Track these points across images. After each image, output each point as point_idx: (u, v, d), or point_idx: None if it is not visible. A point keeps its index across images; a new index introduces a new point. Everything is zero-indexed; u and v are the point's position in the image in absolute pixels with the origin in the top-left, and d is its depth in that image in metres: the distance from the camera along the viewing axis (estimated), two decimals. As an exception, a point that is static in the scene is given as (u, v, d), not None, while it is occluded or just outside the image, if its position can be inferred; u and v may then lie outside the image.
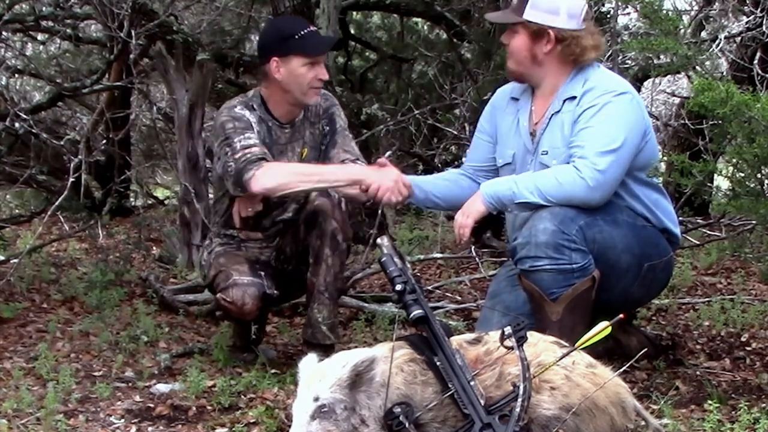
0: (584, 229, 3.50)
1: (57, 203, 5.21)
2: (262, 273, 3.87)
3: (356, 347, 3.48)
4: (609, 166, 3.50)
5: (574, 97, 3.65)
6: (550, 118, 3.70)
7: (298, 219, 3.94)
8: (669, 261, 3.78)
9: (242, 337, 4.09)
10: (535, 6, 3.67)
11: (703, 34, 7.09)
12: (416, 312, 2.81)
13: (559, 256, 3.46)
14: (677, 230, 3.85)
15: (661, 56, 5.26)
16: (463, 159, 6.96)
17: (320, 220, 3.82)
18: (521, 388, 2.61)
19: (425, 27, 9.68)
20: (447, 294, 5.30)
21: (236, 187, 3.80)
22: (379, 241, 3.25)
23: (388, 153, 7.36)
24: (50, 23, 7.03)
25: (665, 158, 4.68)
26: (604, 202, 3.55)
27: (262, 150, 3.78)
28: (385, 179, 3.67)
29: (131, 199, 8.78)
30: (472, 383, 2.67)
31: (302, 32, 3.87)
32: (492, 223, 3.84)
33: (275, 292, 3.87)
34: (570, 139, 3.60)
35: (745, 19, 6.54)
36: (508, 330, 2.68)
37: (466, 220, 3.62)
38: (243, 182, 3.73)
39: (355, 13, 9.51)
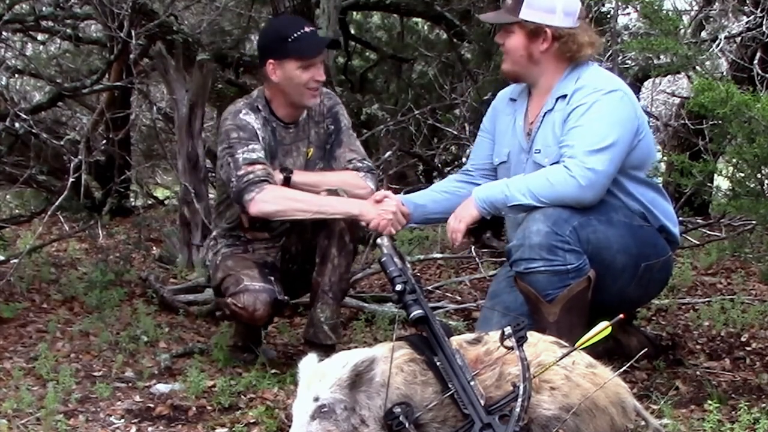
0: (578, 230, 3.49)
1: (57, 203, 5.21)
2: (272, 278, 3.86)
3: (356, 347, 3.48)
4: (600, 164, 3.48)
5: (565, 96, 3.65)
6: (544, 117, 3.69)
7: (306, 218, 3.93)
8: (667, 261, 3.76)
9: (245, 339, 4.08)
10: (531, 5, 3.66)
11: (703, 34, 7.09)
12: (416, 312, 2.81)
13: (552, 257, 3.46)
14: (676, 229, 3.83)
15: (661, 56, 5.25)
16: (464, 159, 6.99)
17: (329, 219, 3.82)
18: (521, 388, 2.61)
19: (425, 27, 9.67)
20: (447, 294, 5.30)
21: (235, 204, 3.85)
22: (379, 241, 3.25)
23: (388, 153, 7.38)
24: (50, 23, 7.03)
25: (665, 158, 4.68)
26: (597, 200, 3.54)
27: (265, 170, 3.78)
28: (383, 213, 3.67)
29: (131, 199, 8.78)
30: (472, 383, 2.67)
31: (296, 34, 3.84)
32: (492, 223, 3.82)
33: (285, 297, 3.88)
34: (560, 138, 3.60)
35: (745, 19, 6.54)
36: (508, 330, 2.68)
37: (458, 224, 3.61)
38: (242, 202, 3.76)
39: (355, 13, 9.51)
